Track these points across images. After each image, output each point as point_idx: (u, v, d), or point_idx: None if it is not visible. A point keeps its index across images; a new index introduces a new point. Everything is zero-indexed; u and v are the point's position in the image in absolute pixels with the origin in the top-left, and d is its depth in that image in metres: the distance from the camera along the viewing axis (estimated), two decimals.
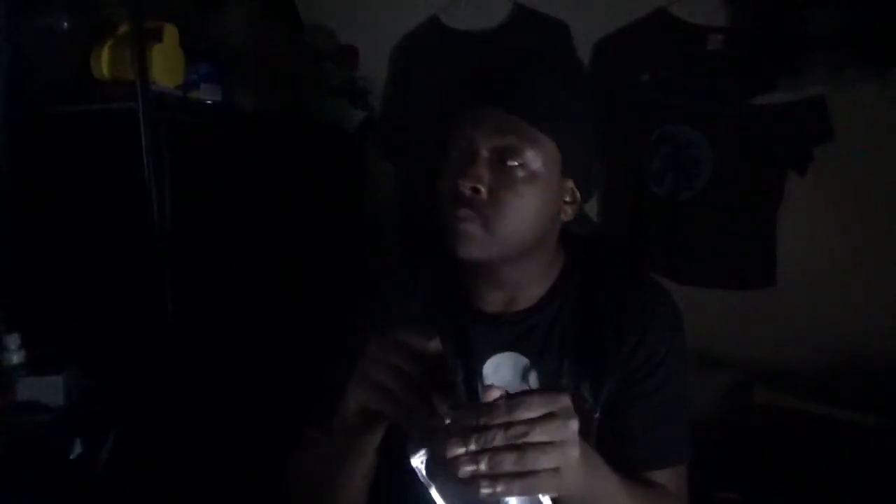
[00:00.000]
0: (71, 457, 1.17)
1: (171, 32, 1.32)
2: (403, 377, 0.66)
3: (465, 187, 0.81)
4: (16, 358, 1.19)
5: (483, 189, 0.81)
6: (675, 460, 0.90)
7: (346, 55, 1.92)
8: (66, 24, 1.34)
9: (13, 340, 1.20)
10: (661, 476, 0.88)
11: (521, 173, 0.83)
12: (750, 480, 1.55)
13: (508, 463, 0.58)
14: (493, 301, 0.92)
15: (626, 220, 1.85)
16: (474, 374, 0.90)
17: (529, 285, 0.91)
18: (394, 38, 1.98)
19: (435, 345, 0.67)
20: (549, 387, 0.87)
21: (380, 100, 2.00)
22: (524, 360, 0.90)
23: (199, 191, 1.35)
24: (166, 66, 1.31)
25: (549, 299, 0.91)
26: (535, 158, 0.83)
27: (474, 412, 0.61)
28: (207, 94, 1.41)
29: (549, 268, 0.92)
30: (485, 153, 0.83)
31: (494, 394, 0.62)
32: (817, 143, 1.70)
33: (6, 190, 1.36)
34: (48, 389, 1.15)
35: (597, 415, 0.88)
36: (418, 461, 0.63)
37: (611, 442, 0.87)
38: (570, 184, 0.88)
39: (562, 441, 0.60)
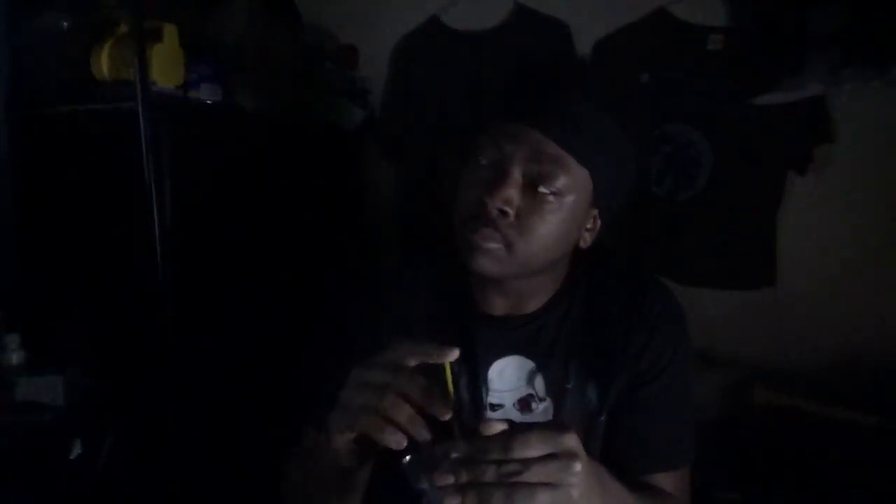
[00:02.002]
0: (71, 457, 1.17)
1: (171, 32, 1.32)
2: (394, 397, 0.63)
3: (494, 207, 0.79)
4: (16, 358, 1.19)
5: (511, 212, 0.80)
6: (679, 463, 0.89)
7: (346, 55, 1.92)
8: (66, 24, 1.34)
9: (13, 340, 1.20)
10: (666, 479, 0.88)
11: (551, 200, 0.81)
12: (750, 480, 1.55)
13: (497, 500, 0.57)
14: (498, 305, 0.91)
15: (626, 220, 1.85)
16: (479, 379, 0.89)
17: (537, 293, 0.91)
18: (394, 38, 1.98)
19: (436, 352, 0.64)
20: (556, 421, 0.86)
21: (380, 100, 2.00)
22: (530, 364, 0.90)
23: (199, 191, 1.35)
24: (166, 66, 1.31)
25: (555, 303, 0.91)
26: (567, 188, 0.81)
27: (469, 444, 0.60)
28: (207, 94, 1.41)
29: (557, 276, 0.92)
30: (517, 175, 0.81)
31: (495, 428, 0.61)
32: (817, 143, 1.70)
33: (6, 190, 1.36)
34: (48, 389, 1.16)
35: (602, 417, 0.88)
36: (414, 477, 0.63)
37: (616, 444, 0.87)
38: (595, 212, 0.87)
39: (559, 483, 0.59)
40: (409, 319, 0.90)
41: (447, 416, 0.62)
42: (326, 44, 1.92)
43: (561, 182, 0.81)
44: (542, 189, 0.81)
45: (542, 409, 0.89)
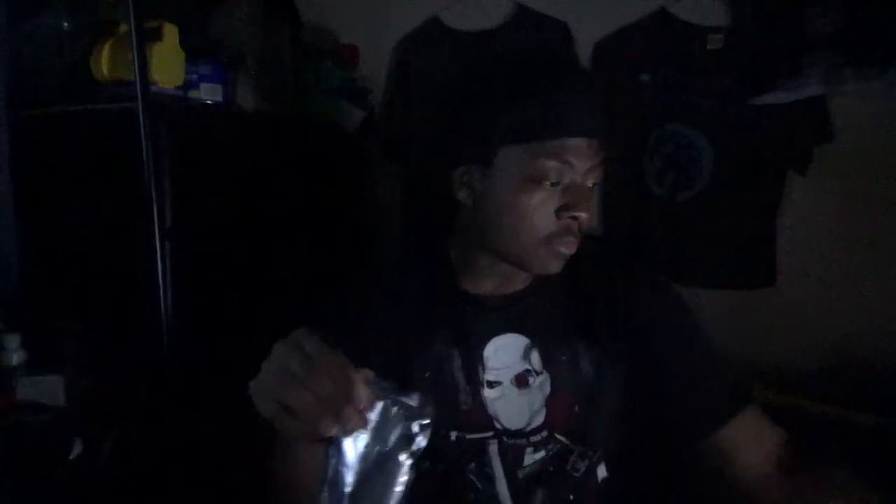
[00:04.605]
0: (71, 457, 1.17)
1: (171, 32, 1.32)
2: (303, 391, 0.63)
3: (583, 221, 0.86)
4: (16, 358, 1.19)
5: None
6: (740, 404, 0.92)
7: (346, 55, 1.92)
8: (66, 24, 1.34)
9: (13, 340, 1.20)
10: (742, 423, 0.90)
11: (594, 190, 0.89)
12: None
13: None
14: (485, 285, 0.96)
15: (626, 220, 1.85)
16: (474, 359, 0.93)
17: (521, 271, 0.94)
18: (394, 38, 1.97)
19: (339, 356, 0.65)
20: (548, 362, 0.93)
21: (380, 100, 2.00)
22: (525, 340, 0.93)
23: (199, 191, 1.35)
24: (166, 66, 1.31)
25: (542, 280, 0.94)
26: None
27: None
28: (207, 94, 1.41)
29: None
30: (588, 184, 0.87)
31: None
32: (817, 143, 1.70)
33: (6, 190, 1.36)
34: (48, 389, 1.16)
35: (604, 388, 0.93)
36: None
37: (675, 415, 0.92)
38: None
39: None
40: (397, 309, 0.94)
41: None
42: (326, 44, 1.92)
43: (601, 172, 0.89)
44: (593, 184, 0.89)
45: (538, 383, 0.93)
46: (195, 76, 1.39)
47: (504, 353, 0.93)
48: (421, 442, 0.64)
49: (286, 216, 1.61)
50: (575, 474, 0.94)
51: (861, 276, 1.71)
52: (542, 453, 0.93)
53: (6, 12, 1.35)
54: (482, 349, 0.93)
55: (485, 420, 0.93)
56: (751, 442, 0.90)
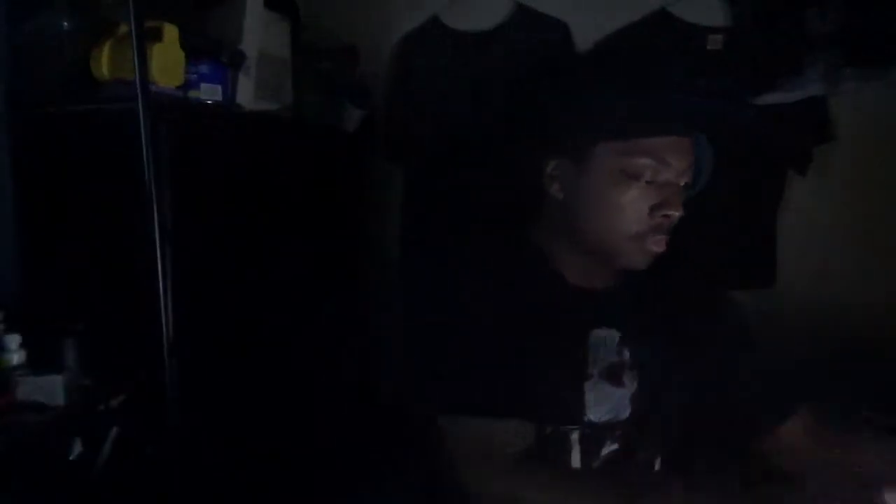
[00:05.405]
0: (71, 457, 1.17)
1: (171, 32, 1.31)
2: None
3: (673, 218, 0.89)
4: (16, 358, 1.19)
5: None
6: (794, 405, 0.99)
7: (346, 55, 1.92)
8: (66, 24, 1.34)
9: (13, 340, 1.20)
10: (797, 423, 0.97)
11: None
12: None
13: None
14: (572, 278, 0.95)
15: None
16: (584, 350, 0.92)
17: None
18: (394, 38, 1.97)
19: None
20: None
21: (381, 101, 2.00)
22: (617, 334, 0.94)
23: (199, 191, 1.35)
24: (166, 66, 1.31)
25: (629, 274, 0.95)
26: None
27: None
28: (207, 94, 1.41)
29: None
30: (681, 182, 0.90)
31: None
32: (817, 143, 1.70)
33: (6, 190, 1.36)
34: (48, 389, 1.15)
35: (678, 389, 0.95)
36: None
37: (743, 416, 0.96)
38: None
39: None
40: (517, 295, 0.91)
41: None
42: (326, 44, 1.92)
43: (692, 172, 0.91)
44: (683, 183, 0.90)
45: (628, 379, 0.93)
46: (195, 76, 1.38)
47: (600, 346, 0.93)
48: None
49: (286, 216, 1.61)
50: (638, 466, 0.95)
51: (861, 277, 1.71)
52: (616, 445, 0.94)
53: (6, 12, 1.35)
54: (587, 340, 0.93)
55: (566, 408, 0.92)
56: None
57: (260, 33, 1.52)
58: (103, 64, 1.30)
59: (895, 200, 1.67)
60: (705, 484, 0.88)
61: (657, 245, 0.88)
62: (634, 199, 0.87)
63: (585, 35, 1.84)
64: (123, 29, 1.29)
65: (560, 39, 1.85)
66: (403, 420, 1.02)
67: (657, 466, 0.97)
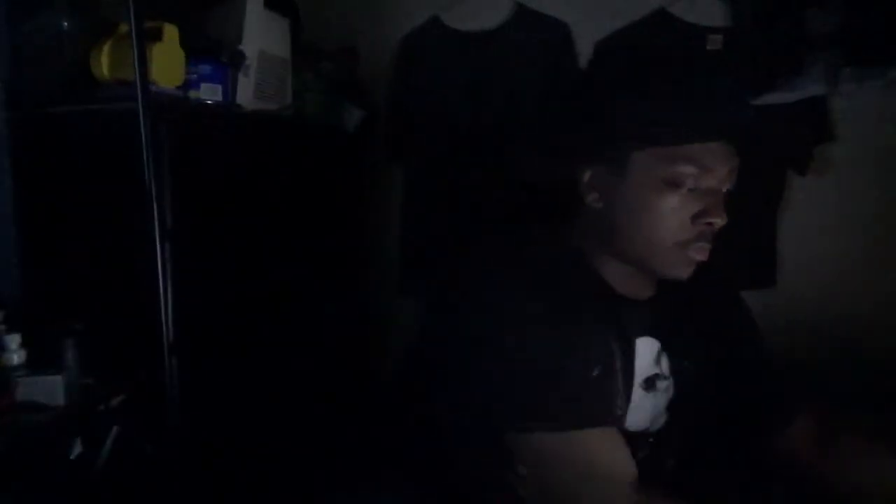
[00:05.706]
0: (71, 457, 1.17)
1: (171, 32, 1.31)
2: None
3: (716, 225, 0.87)
4: (16, 358, 1.19)
5: None
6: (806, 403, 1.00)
7: (346, 55, 1.92)
8: (66, 23, 1.34)
9: (13, 340, 1.20)
10: (807, 422, 0.99)
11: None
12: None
13: None
14: (637, 288, 0.94)
15: None
16: (631, 359, 0.91)
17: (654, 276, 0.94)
18: (394, 38, 1.98)
19: None
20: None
21: (381, 101, 2.00)
22: (657, 344, 0.93)
23: (199, 191, 1.35)
24: (166, 66, 1.31)
25: (667, 285, 0.94)
26: None
27: None
28: (207, 94, 1.41)
29: None
30: (724, 189, 0.88)
31: None
32: (817, 143, 1.70)
33: (6, 190, 1.36)
34: (48, 389, 1.15)
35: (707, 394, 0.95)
36: None
37: (766, 413, 0.98)
38: None
39: None
40: (561, 303, 0.87)
41: None
42: (326, 44, 1.92)
43: (735, 178, 0.88)
44: (726, 189, 0.89)
45: (664, 388, 0.93)
46: (195, 76, 1.38)
47: (643, 356, 0.91)
48: None
49: (286, 216, 1.61)
50: (658, 468, 0.95)
51: (861, 277, 1.71)
52: (646, 451, 0.93)
53: (6, 12, 1.35)
54: (633, 348, 0.91)
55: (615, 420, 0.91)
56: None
57: (260, 33, 1.52)
58: (103, 64, 1.30)
59: (895, 200, 1.67)
60: (724, 486, 0.89)
61: (700, 254, 0.87)
62: (677, 208, 0.85)
63: (585, 35, 1.84)
64: (123, 29, 1.29)
65: (560, 39, 1.85)
66: (403, 420, 1.02)
67: (679, 471, 0.98)
